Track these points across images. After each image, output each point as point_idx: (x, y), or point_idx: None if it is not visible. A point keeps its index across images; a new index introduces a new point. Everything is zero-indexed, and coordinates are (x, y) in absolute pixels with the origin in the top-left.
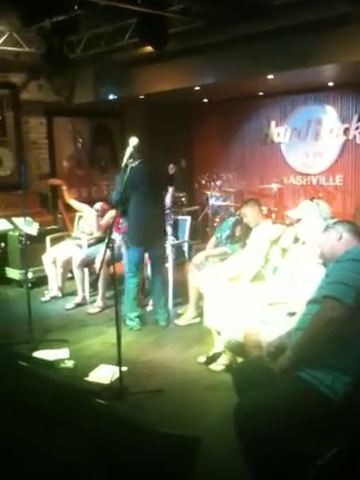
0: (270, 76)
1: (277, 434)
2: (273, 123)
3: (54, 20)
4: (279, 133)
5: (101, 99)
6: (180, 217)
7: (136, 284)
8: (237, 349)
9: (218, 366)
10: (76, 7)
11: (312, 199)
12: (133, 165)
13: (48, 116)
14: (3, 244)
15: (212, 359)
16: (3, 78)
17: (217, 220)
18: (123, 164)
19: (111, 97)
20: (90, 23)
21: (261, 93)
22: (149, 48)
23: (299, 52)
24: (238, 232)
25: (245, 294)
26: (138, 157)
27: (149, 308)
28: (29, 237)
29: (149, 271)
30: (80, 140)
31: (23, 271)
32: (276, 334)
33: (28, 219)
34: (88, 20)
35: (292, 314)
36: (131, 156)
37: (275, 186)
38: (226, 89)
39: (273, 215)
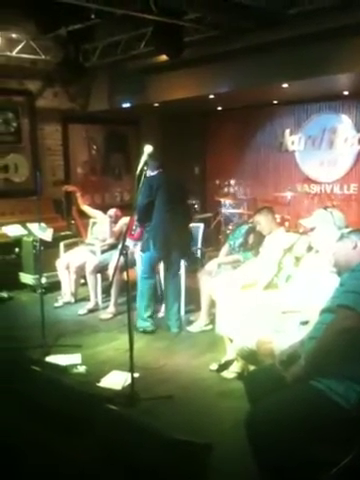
0: (285, 85)
1: (290, 442)
2: (287, 131)
3: (70, 28)
4: (293, 141)
5: (116, 107)
6: (193, 224)
7: (151, 285)
8: (250, 357)
9: (230, 374)
10: (93, 16)
11: (326, 208)
12: (152, 174)
13: (63, 123)
14: (17, 249)
15: (224, 366)
16: (19, 85)
17: (230, 227)
18: (137, 172)
19: (126, 105)
20: (106, 31)
21: (275, 101)
22: (164, 56)
23: (314, 61)
24: (251, 240)
25: (258, 302)
26: (156, 165)
27: (161, 314)
28: (43, 243)
29: (162, 277)
30: (94, 147)
31: (37, 276)
32: (289, 343)
33: (42, 225)
34: (104, 28)
35: (305, 323)
36: (146, 164)
37: (289, 194)
38: (240, 97)
39: (286, 223)
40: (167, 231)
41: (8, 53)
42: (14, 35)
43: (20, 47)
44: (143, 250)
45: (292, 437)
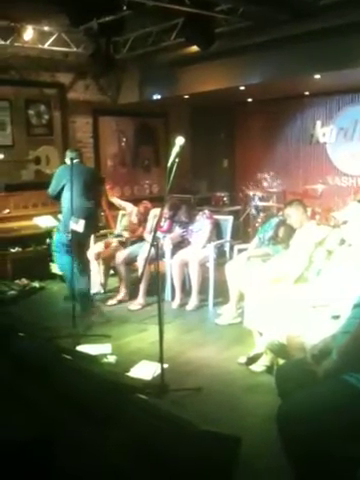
0: (317, 76)
1: (321, 437)
2: (319, 123)
3: (102, 21)
4: (325, 133)
5: (146, 99)
6: (222, 217)
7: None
8: (280, 351)
9: (259, 367)
10: (124, 7)
11: None
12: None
13: (94, 116)
14: (49, 240)
15: (253, 360)
16: (51, 78)
17: (259, 220)
18: (169, 163)
19: (156, 97)
20: (137, 23)
21: (307, 93)
22: (195, 48)
23: (346, 52)
24: (281, 233)
25: (288, 296)
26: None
27: (189, 307)
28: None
29: (190, 269)
30: (124, 139)
31: None
32: (320, 337)
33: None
34: (135, 20)
35: (336, 317)
36: (177, 156)
37: (320, 187)
38: (271, 89)
39: (317, 216)
40: None
41: (40, 46)
42: (46, 28)
43: (52, 40)
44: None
45: (324, 432)
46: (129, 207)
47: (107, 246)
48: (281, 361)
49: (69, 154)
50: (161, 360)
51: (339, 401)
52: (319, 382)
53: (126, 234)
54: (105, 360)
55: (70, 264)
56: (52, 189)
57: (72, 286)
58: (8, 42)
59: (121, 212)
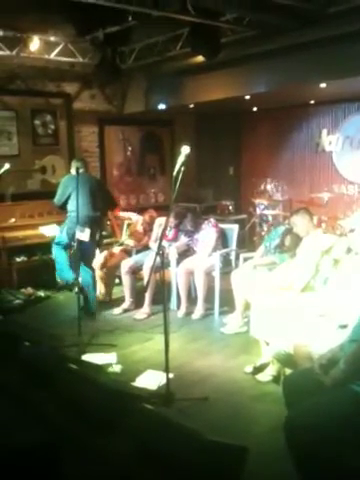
0: (323, 84)
1: (329, 446)
2: (325, 131)
3: (107, 31)
4: (331, 142)
5: (152, 108)
6: (227, 225)
7: None
8: (286, 361)
9: (265, 377)
10: (130, 18)
11: None
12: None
13: (100, 125)
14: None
15: (259, 369)
16: (57, 88)
17: (265, 229)
18: (175, 172)
19: (161, 106)
20: (142, 33)
21: (312, 101)
22: (200, 57)
23: (352, 60)
24: (288, 241)
25: (295, 305)
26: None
27: (194, 316)
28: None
29: (196, 278)
30: (130, 148)
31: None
32: (327, 346)
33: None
34: (140, 30)
35: (344, 326)
36: (183, 164)
37: (326, 195)
38: (277, 97)
39: (323, 225)
40: None
41: (46, 56)
42: (52, 38)
43: (58, 50)
44: None
45: (332, 441)
46: (134, 217)
47: (112, 255)
48: (288, 371)
49: (75, 164)
50: (167, 369)
51: (347, 410)
52: (327, 392)
53: (131, 243)
54: (111, 369)
55: (64, 258)
56: (58, 199)
57: (62, 277)
58: (14, 52)
59: (127, 221)
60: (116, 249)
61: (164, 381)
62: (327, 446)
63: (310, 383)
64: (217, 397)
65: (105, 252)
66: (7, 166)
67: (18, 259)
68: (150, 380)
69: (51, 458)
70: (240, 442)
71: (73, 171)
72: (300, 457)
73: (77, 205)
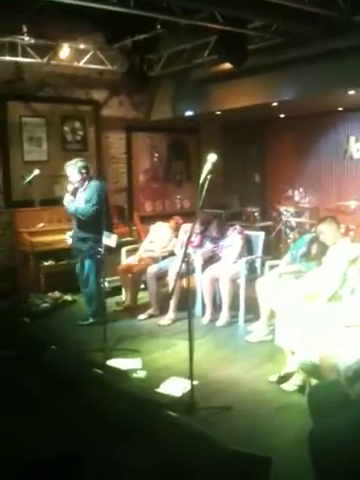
0: (351, 92)
1: (354, 462)
2: (353, 138)
3: (136, 38)
4: (359, 149)
5: (179, 115)
6: (253, 232)
7: None
8: (312, 371)
9: (290, 386)
10: (158, 26)
11: None
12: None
13: (127, 132)
14: None
15: (284, 379)
16: (87, 95)
17: (291, 236)
18: (201, 180)
19: (188, 113)
20: (170, 41)
21: (340, 108)
22: (227, 64)
23: None
24: (314, 250)
25: (321, 314)
26: None
27: (219, 323)
28: (107, 248)
29: (221, 285)
30: (156, 155)
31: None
32: (354, 358)
33: (107, 232)
34: (168, 38)
35: None
36: (210, 172)
37: (353, 203)
38: (304, 105)
39: (351, 233)
40: None
41: (76, 64)
42: (82, 46)
43: (87, 58)
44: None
45: (358, 457)
46: (158, 224)
47: (140, 260)
48: (313, 381)
49: (81, 164)
50: (191, 377)
51: None
52: (353, 405)
53: (157, 249)
54: (135, 375)
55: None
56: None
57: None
58: (45, 60)
59: (152, 226)
60: (145, 254)
61: (188, 389)
62: (352, 461)
63: (336, 396)
64: (241, 406)
65: (132, 257)
66: (37, 172)
67: (46, 263)
68: (174, 387)
69: (74, 465)
70: (264, 453)
71: (78, 172)
72: (324, 471)
73: (102, 211)
